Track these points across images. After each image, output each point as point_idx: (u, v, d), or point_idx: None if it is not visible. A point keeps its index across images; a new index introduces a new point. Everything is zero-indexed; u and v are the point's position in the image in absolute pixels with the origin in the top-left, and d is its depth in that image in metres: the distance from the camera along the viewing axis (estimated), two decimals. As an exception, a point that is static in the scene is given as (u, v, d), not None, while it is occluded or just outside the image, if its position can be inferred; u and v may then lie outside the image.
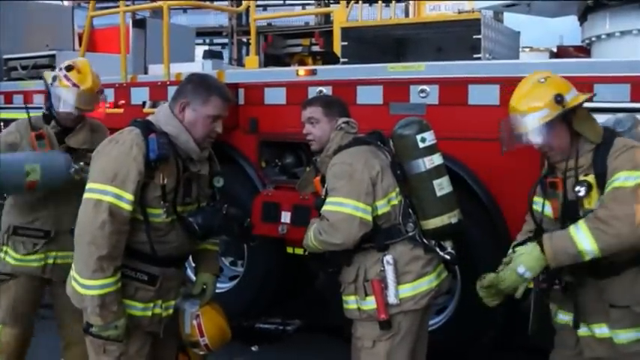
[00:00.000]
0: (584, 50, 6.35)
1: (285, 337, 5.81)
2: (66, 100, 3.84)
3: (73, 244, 3.62)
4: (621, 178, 2.78)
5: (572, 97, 2.94)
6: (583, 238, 2.77)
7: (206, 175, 3.18)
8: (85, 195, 2.89)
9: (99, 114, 4.28)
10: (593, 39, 5.58)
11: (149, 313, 3.05)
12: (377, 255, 3.28)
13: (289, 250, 5.12)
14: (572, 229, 2.82)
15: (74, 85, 3.85)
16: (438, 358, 4.09)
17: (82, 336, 3.79)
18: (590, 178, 2.89)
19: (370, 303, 3.28)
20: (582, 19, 5.87)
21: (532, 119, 2.94)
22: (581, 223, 2.81)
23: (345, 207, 3.18)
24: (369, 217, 3.21)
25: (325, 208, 3.27)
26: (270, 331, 5.89)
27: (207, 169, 3.18)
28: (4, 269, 3.96)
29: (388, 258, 3.25)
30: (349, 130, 3.47)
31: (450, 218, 3.28)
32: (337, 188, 3.25)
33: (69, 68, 3.89)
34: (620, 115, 3.35)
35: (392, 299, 3.24)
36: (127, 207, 2.85)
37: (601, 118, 3.29)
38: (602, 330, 3.03)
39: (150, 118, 3.07)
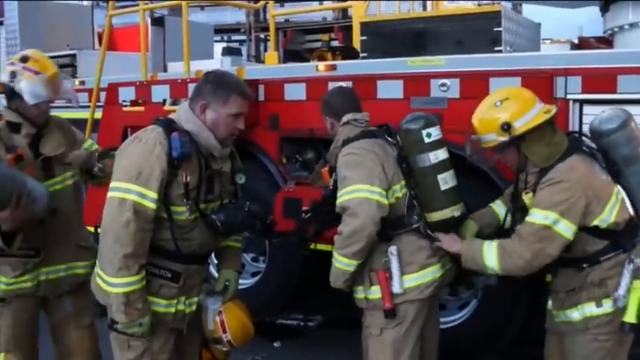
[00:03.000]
0: (606, 41, 6.29)
1: (308, 332, 5.83)
2: (35, 91, 3.43)
3: (62, 257, 3.64)
4: (534, 215, 3.08)
5: (524, 122, 3.10)
6: (489, 258, 3.17)
7: (228, 172, 3.19)
8: (109, 193, 2.89)
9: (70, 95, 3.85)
10: (616, 29, 5.52)
11: (172, 310, 3.07)
12: (382, 246, 3.37)
13: (310, 245, 5.11)
14: (485, 245, 3.20)
15: (38, 73, 3.46)
16: (460, 354, 4.09)
17: (78, 348, 3.79)
18: (528, 197, 3.19)
19: (375, 292, 3.39)
20: (604, 9, 5.81)
21: (482, 139, 3.24)
22: (495, 244, 3.18)
23: (360, 192, 3.27)
24: (385, 201, 3.29)
25: (340, 199, 3.33)
26: (292, 326, 5.90)
27: (229, 166, 3.19)
28: None
29: (392, 249, 3.35)
30: (356, 125, 3.55)
31: (454, 212, 3.36)
32: (348, 177, 3.33)
33: (24, 59, 3.49)
34: (611, 111, 3.30)
35: (396, 289, 3.34)
36: (151, 205, 2.86)
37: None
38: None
39: (172, 116, 3.08)
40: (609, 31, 5.75)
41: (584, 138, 3.29)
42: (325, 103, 3.71)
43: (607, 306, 3.11)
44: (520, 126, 3.11)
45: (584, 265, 3.15)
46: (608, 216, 3.09)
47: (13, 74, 3.48)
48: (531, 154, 3.17)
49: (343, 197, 3.31)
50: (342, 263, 3.35)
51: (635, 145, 3.20)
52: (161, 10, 10.23)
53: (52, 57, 7.49)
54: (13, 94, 3.49)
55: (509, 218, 3.43)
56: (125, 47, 8.36)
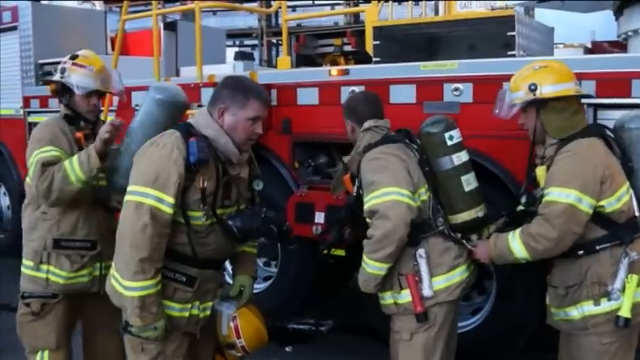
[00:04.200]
0: (619, 45, 6.26)
1: (319, 337, 5.82)
2: (83, 83, 3.65)
3: (112, 253, 3.66)
4: (554, 194, 3.09)
5: (552, 90, 3.22)
6: (517, 249, 3.21)
7: (246, 177, 3.18)
8: (126, 197, 2.90)
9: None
10: (630, 33, 5.49)
11: (186, 314, 3.07)
12: (409, 250, 3.37)
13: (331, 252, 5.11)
14: (510, 238, 3.23)
15: (84, 67, 3.68)
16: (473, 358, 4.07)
17: (112, 351, 3.85)
18: (541, 170, 3.24)
19: (405, 296, 3.39)
20: (618, 13, 5.78)
21: (512, 97, 3.35)
22: (518, 234, 3.20)
23: (390, 195, 3.27)
24: (414, 203, 3.30)
25: (369, 203, 3.32)
26: (303, 331, 5.90)
27: (247, 172, 3.19)
28: (47, 290, 3.64)
29: (421, 252, 3.36)
30: (377, 131, 3.58)
31: (478, 212, 3.42)
32: (376, 181, 3.33)
33: (73, 57, 3.72)
34: (635, 112, 3.46)
35: (426, 292, 3.35)
36: (168, 210, 2.86)
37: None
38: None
39: (190, 121, 3.09)
40: (623, 35, 5.71)
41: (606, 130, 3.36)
42: (348, 107, 3.74)
43: (605, 305, 3.14)
44: (546, 92, 3.22)
45: (580, 253, 3.18)
46: (616, 201, 3.14)
47: (63, 70, 3.68)
48: (547, 122, 3.25)
49: (372, 201, 3.30)
50: (374, 268, 3.34)
51: None
52: (173, 14, 10.25)
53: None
54: (64, 90, 3.70)
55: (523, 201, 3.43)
56: (137, 52, 8.39)
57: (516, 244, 3.20)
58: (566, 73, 3.32)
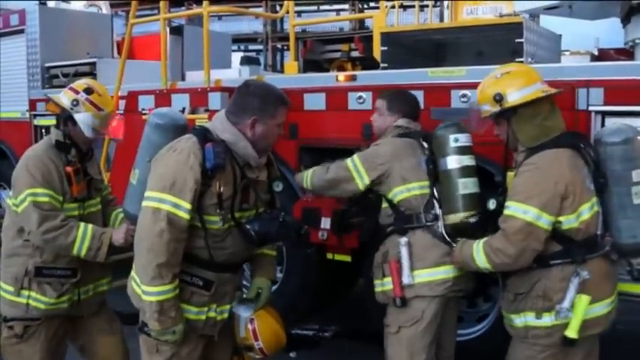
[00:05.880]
0: (626, 53, 6.24)
1: (323, 342, 5.81)
2: (94, 125, 3.62)
3: (92, 277, 3.74)
4: (512, 208, 3.09)
5: (518, 97, 3.15)
6: (479, 259, 3.22)
7: (264, 180, 3.20)
8: (144, 203, 2.92)
9: (116, 133, 4.13)
10: (638, 41, 5.48)
11: (203, 317, 3.08)
12: (396, 238, 3.56)
13: (329, 256, 5.10)
14: (474, 247, 3.25)
15: (99, 109, 3.64)
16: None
17: (115, 352, 3.86)
18: (510, 176, 3.26)
19: (388, 284, 3.55)
20: (626, 20, 5.76)
21: (481, 110, 3.31)
22: (481, 245, 3.21)
23: (346, 162, 3.77)
24: (359, 183, 3.70)
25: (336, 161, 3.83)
26: (307, 336, 5.88)
27: (265, 174, 3.20)
28: (29, 314, 3.59)
29: (402, 240, 3.53)
30: (405, 131, 3.78)
31: (468, 218, 3.45)
32: (357, 154, 3.79)
33: (89, 91, 3.65)
34: (620, 125, 3.38)
35: (405, 279, 3.48)
36: (185, 216, 2.87)
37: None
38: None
39: (207, 125, 3.10)
40: (630, 43, 5.70)
41: (583, 144, 3.25)
42: (389, 101, 3.92)
43: (546, 319, 3.14)
44: (513, 100, 3.16)
45: (534, 265, 3.16)
46: (574, 219, 3.09)
47: (76, 102, 3.61)
48: (518, 131, 3.20)
49: (338, 161, 3.82)
50: (305, 179, 4.06)
51: (630, 166, 3.17)
52: (179, 19, 10.25)
53: (72, 65, 7.67)
54: (67, 119, 3.64)
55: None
56: (142, 56, 8.38)
57: (479, 254, 3.23)
58: (530, 75, 3.26)
